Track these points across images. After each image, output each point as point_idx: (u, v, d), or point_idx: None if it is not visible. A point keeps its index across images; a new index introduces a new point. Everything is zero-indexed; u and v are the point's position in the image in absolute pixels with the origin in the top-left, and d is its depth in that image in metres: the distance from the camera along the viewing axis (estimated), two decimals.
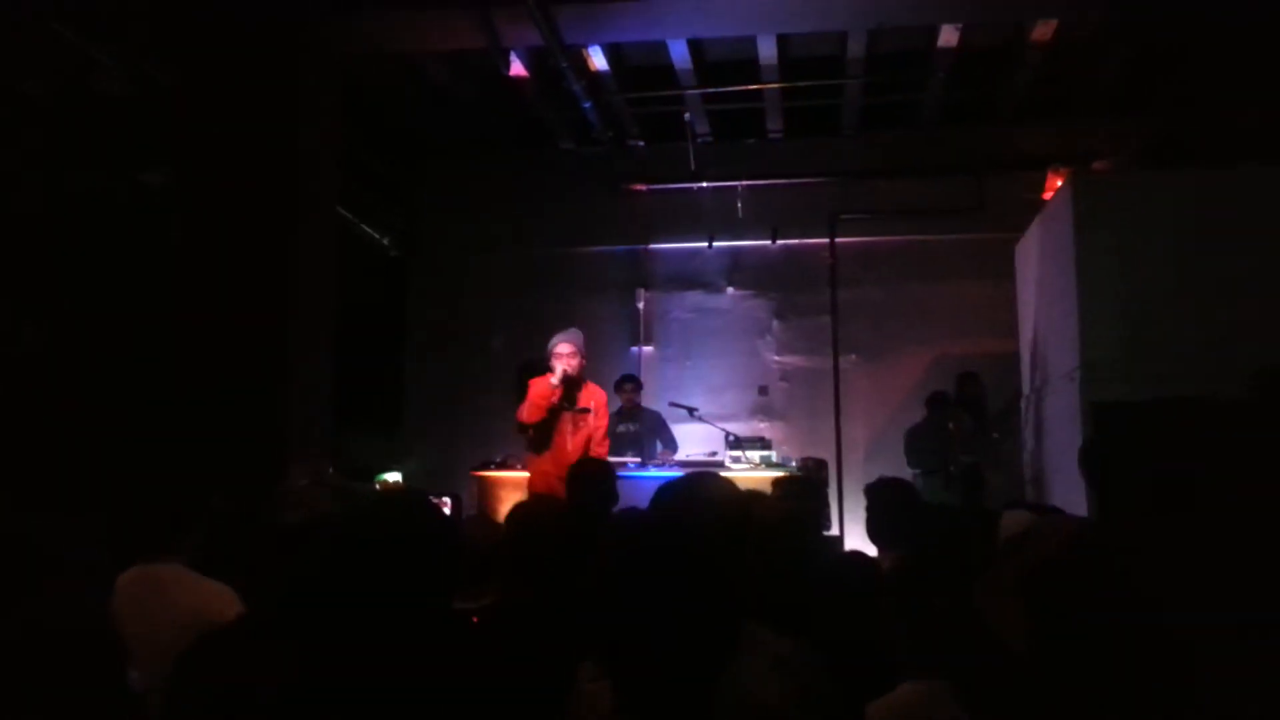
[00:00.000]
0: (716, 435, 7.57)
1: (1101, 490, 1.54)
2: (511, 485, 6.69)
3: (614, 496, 4.44)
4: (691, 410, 7.81)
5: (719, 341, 9.42)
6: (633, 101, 8.51)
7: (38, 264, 5.23)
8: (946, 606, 1.95)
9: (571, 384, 5.93)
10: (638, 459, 7.05)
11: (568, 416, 5.93)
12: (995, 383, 8.06)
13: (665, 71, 7.90)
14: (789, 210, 9.07)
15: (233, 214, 5.82)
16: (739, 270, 9.47)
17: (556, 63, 7.05)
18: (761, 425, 9.04)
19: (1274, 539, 1.21)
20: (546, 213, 9.40)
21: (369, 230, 9.23)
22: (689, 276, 9.52)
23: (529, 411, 5.90)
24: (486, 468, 7.04)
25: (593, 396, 6.08)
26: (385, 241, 9.57)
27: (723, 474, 3.06)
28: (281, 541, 2.51)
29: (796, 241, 9.19)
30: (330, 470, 6.04)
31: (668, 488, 2.39)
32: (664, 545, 1.79)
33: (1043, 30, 7.13)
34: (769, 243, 9.15)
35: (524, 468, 6.40)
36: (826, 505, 6.97)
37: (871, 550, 3.67)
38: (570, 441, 5.90)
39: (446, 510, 5.98)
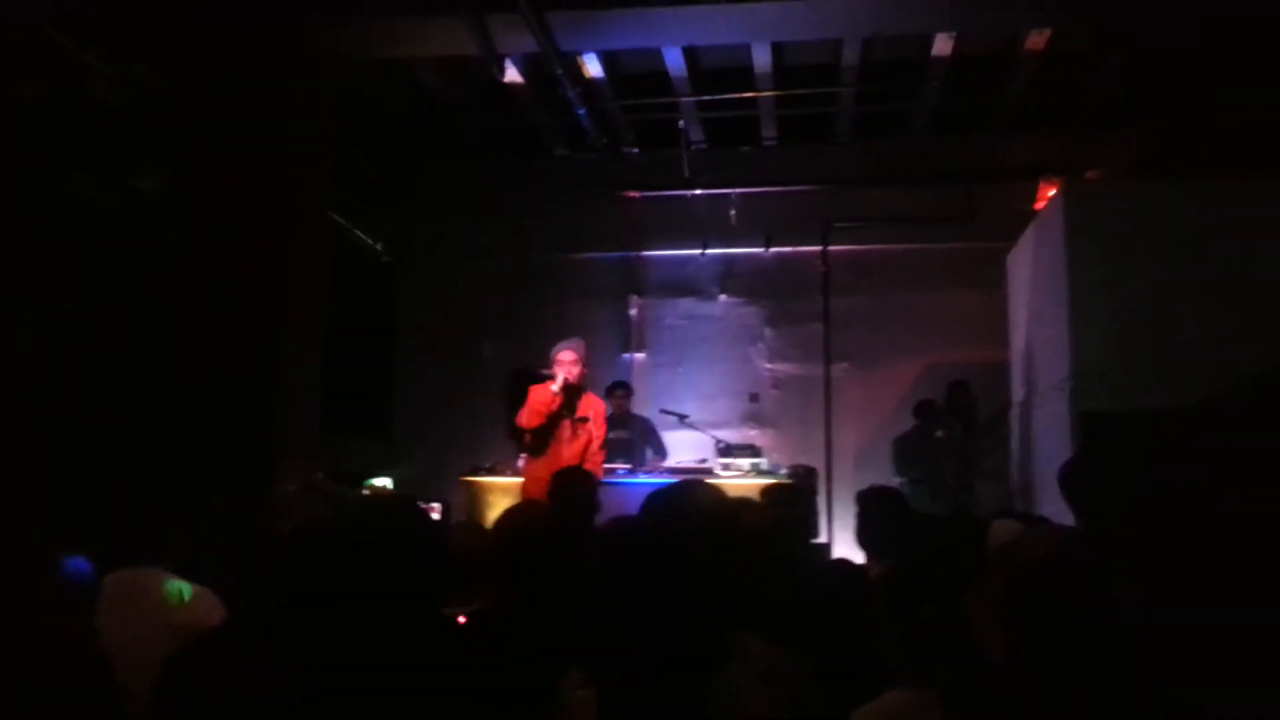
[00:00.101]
0: (707, 442, 7.58)
1: (1084, 499, 1.55)
2: (501, 491, 6.69)
3: (595, 505, 4.46)
4: (682, 417, 7.82)
5: (711, 348, 9.43)
6: (627, 108, 8.52)
7: (31, 268, 5.22)
8: (934, 615, 1.95)
9: (572, 392, 5.96)
10: (628, 466, 7.05)
11: (566, 424, 5.97)
12: (985, 392, 8.07)
13: (660, 79, 7.91)
14: (782, 218, 9.08)
15: (225, 219, 5.82)
16: (732, 277, 9.48)
17: (551, 69, 7.05)
18: (752, 432, 9.06)
19: (1263, 545, 1.22)
20: (540, 219, 9.40)
21: (361, 235, 9.22)
22: (682, 283, 9.53)
23: (528, 417, 5.93)
24: (476, 473, 7.04)
25: (591, 406, 6.11)
26: (378, 247, 9.56)
27: (712, 481, 3.06)
28: (271, 546, 2.51)
29: (789, 249, 9.20)
30: (321, 475, 6.03)
31: (657, 495, 2.39)
32: (652, 553, 1.79)
33: (1036, 40, 7.15)
34: (762, 250, 9.16)
35: (520, 472, 6.42)
36: (815, 513, 6.98)
37: (860, 558, 3.68)
38: (567, 449, 5.92)
39: (436, 516, 5.98)
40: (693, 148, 8.89)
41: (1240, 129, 7.09)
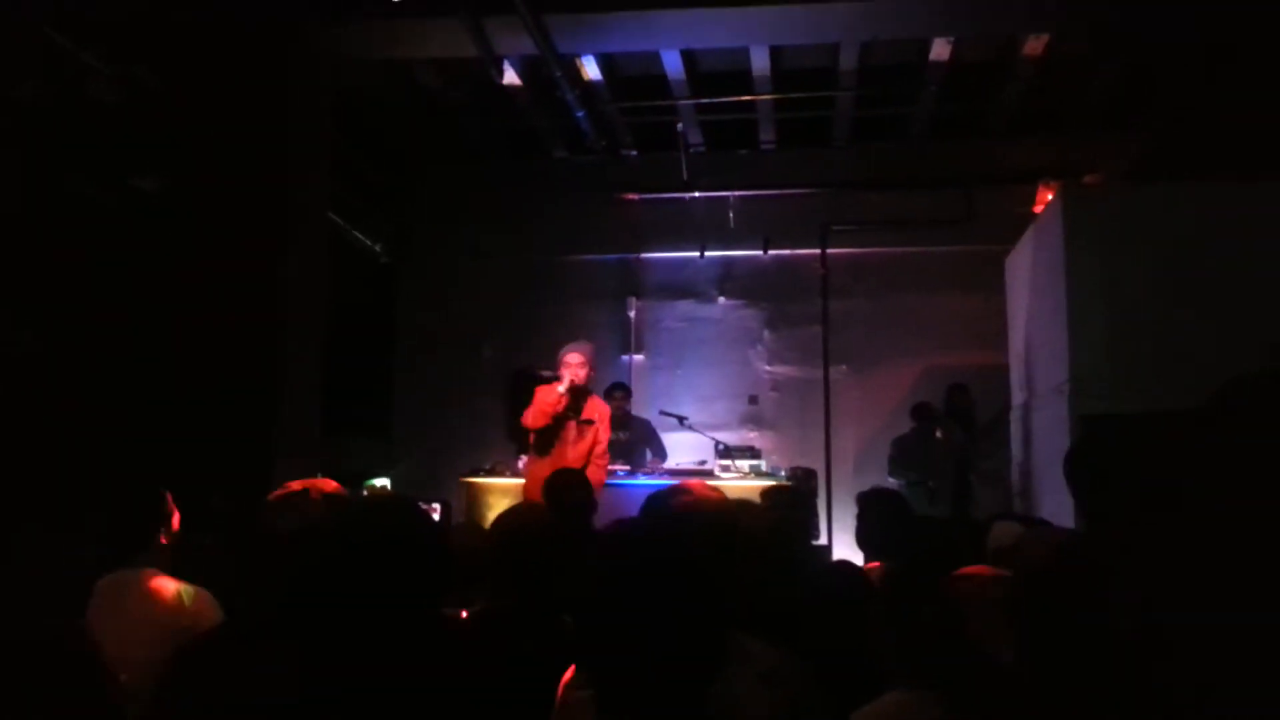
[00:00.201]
0: (706, 444, 7.58)
1: (1085, 497, 1.55)
2: (501, 491, 6.70)
3: (592, 506, 4.46)
4: (681, 419, 7.82)
5: (710, 351, 9.43)
6: (626, 111, 8.53)
7: (31, 268, 5.22)
8: (934, 616, 1.95)
9: (578, 394, 5.99)
10: (627, 467, 7.06)
11: (572, 425, 6.01)
12: (984, 395, 8.08)
13: (658, 82, 7.92)
14: (780, 221, 9.09)
15: (225, 219, 5.82)
16: (730, 280, 9.49)
17: (550, 72, 7.06)
18: (751, 435, 9.07)
19: (1260, 545, 1.22)
20: (538, 220, 9.40)
21: (360, 236, 9.22)
22: (680, 286, 9.54)
23: (534, 417, 5.96)
24: (476, 474, 7.04)
25: (597, 409, 6.14)
26: (376, 248, 9.56)
27: (711, 483, 3.06)
28: (270, 546, 2.51)
29: (788, 252, 9.20)
30: (319, 476, 6.03)
31: (656, 497, 2.39)
32: (652, 554, 1.79)
33: (1034, 44, 7.17)
34: (760, 253, 9.16)
35: (521, 473, 6.44)
36: (815, 515, 6.98)
37: (859, 559, 3.68)
38: (571, 450, 5.96)
39: (435, 516, 5.99)
40: (691, 150, 8.90)
41: (1238, 131, 7.10)
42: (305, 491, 2.25)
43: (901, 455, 7.83)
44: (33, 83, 5.34)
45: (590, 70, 7.63)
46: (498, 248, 9.45)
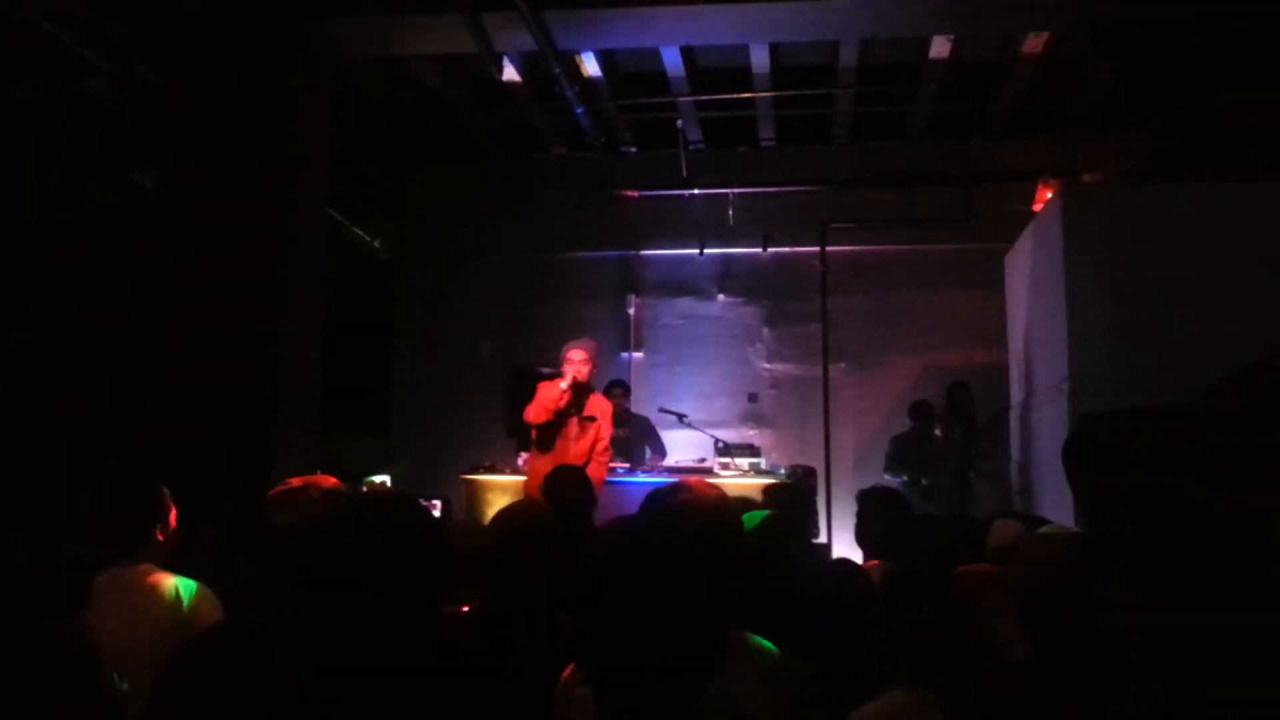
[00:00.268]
0: (706, 442, 7.58)
1: (1084, 491, 1.55)
2: (500, 489, 6.70)
3: (593, 504, 4.46)
4: (681, 416, 7.82)
5: (709, 348, 9.44)
6: (625, 108, 8.52)
7: (31, 266, 5.22)
8: (934, 615, 1.95)
9: (580, 390, 6.00)
10: (626, 465, 7.06)
11: (574, 422, 6.03)
12: (983, 393, 8.09)
13: (658, 78, 7.91)
14: (780, 218, 9.09)
15: (224, 217, 5.81)
16: (730, 277, 9.49)
17: (549, 68, 7.05)
18: (751, 432, 9.07)
19: (1262, 542, 1.22)
20: (538, 218, 9.40)
21: (360, 233, 9.22)
22: (680, 283, 9.54)
23: (535, 413, 5.98)
24: (476, 471, 7.04)
25: (599, 405, 6.16)
26: (376, 245, 9.57)
27: (711, 481, 3.06)
28: (270, 544, 2.51)
29: (787, 249, 9.20)
30: (319, 473, 6.03)
31: (656, 495, 2.39)
32: (650, 552, 1.79)
33: (1034, 43, 7.16)
34: (760, 250, 9.16)
35: (521, 469, 6.45)
36: (815, 513, 6.98)
37: (858, 557, 3.68)
38: (574, 447, 5.98)
39: (436, 514, 5.99)
40: (690, 148, 8.90)
41: (1238, 131, 7.10)
42: (305, 488, 2.24)
43: (897, 453, 7.84)
44: (33, 81, 5.34)
45: (590, 67, 7.63)
46: (497, 245, 9.45)
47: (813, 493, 7.20)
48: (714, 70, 7.98)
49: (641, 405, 8.35)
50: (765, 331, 9.44)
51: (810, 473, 7.42)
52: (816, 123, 8.93)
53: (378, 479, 7.27)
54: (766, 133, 9.08)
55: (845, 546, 4.87)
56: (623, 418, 7.63)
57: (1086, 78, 7.90)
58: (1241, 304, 5.46)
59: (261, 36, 5.97)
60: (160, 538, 3.11)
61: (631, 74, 8.10)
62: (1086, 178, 8.55)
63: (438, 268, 9.67)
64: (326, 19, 6.15)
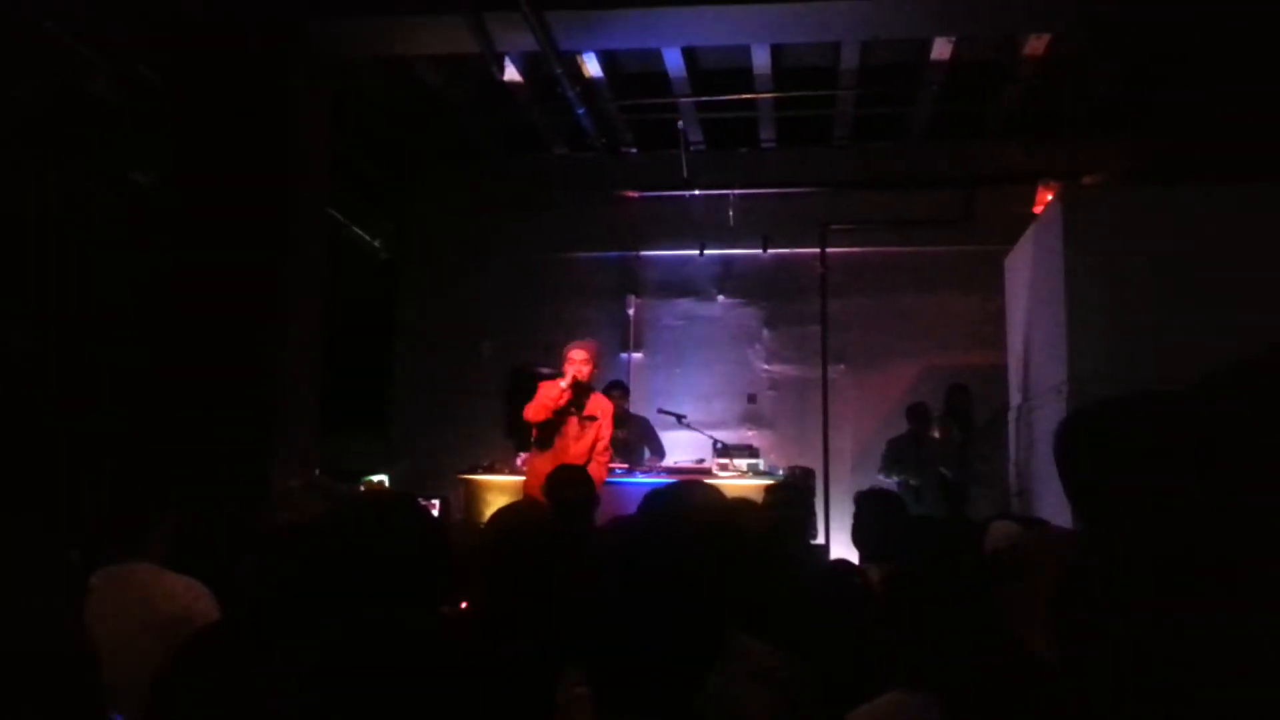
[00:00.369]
0: (704, 442, 7.58)
1: (1074, 485, 1.55)
2: (499, 489, 6.71)
3: (595, 503, 4.46)
4: (680, 417, 7.82)
5: (709, 349, 9.43)
6: (626, 108, 8.53)
7: (30, 265, 5.21)
8: (934, 616, 1.95)
9: (581, 390, 6.02)
10: (625, 465, 7.06)
11: (574, 421, 6.04)
12: (982, 395, 8.09)
13: (659, 79, 7.92)
14: (780, 219, 9.09)
15: (224, 217, 5.81)
16: (730, 278, 9.49)
17: (551, 69, 7.05)
18: (750, 433, 9.07)
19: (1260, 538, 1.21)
20: (538, 218, 9.40)
21: (360, 233, 9.22)
22: (680, 284, 9.54)
23: (534, 411, 6.00)
24: (474, 471, 7.05)
25: (600, 405, 6.17)
26: (376, 244, 9.56)
27: (710, 482, 3.06)
28: (269, 542, 2.51)
29: (787, 251, 9.20)
30: (318, 472, 6.03)
31: (655, 495, 2.39)
32: (648, 553, 1.79)
33: (1035, 45, 7.17)
34: (760, 251, 9.16)
35: (521, 469, 6.46)
36: (813, 514, 6.98)
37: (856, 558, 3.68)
38: (574, 446, 5.99)
39: (435, 513, 5.99)
40: (691, 148, 8.90)
41: (1238, 132, 7.10)
42: (304, 488, 2.25)
43: (893, 455, 7.86)
44: (33, 81, 5.34)
45: (591, 67, 7.63)
46: (497, 245, 9.45)
47: (811, 494, 7.20)
48: (715, 71, 7.99)
49: (641, 406, 8.35)
50: (765, 333, 9.44)
51: (809, 474, 7.42)
52: (817, 124, 8.93)
53: (376, 478, 7.27)
54: (767, 134, 9.08)
55: (843, 547, 4.86)
56: (622, 418, 7.63)
57: (1087, 79, 7.90)
58: (1242, 305, 5.46)
59: (262, 36, 5.97)
60: (159, 537, 3.11)
61: (633, 74, 8.10)
62: (1086, 180, 8.57)
63: (438, 267, 9.67)
64: (327, 19, 6.16)
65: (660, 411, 7.95)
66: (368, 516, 2.01)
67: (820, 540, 7.43)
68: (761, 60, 7.54)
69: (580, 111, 7.90)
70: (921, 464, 7.68)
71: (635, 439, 7.66)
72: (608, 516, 4.32)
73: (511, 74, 7.58)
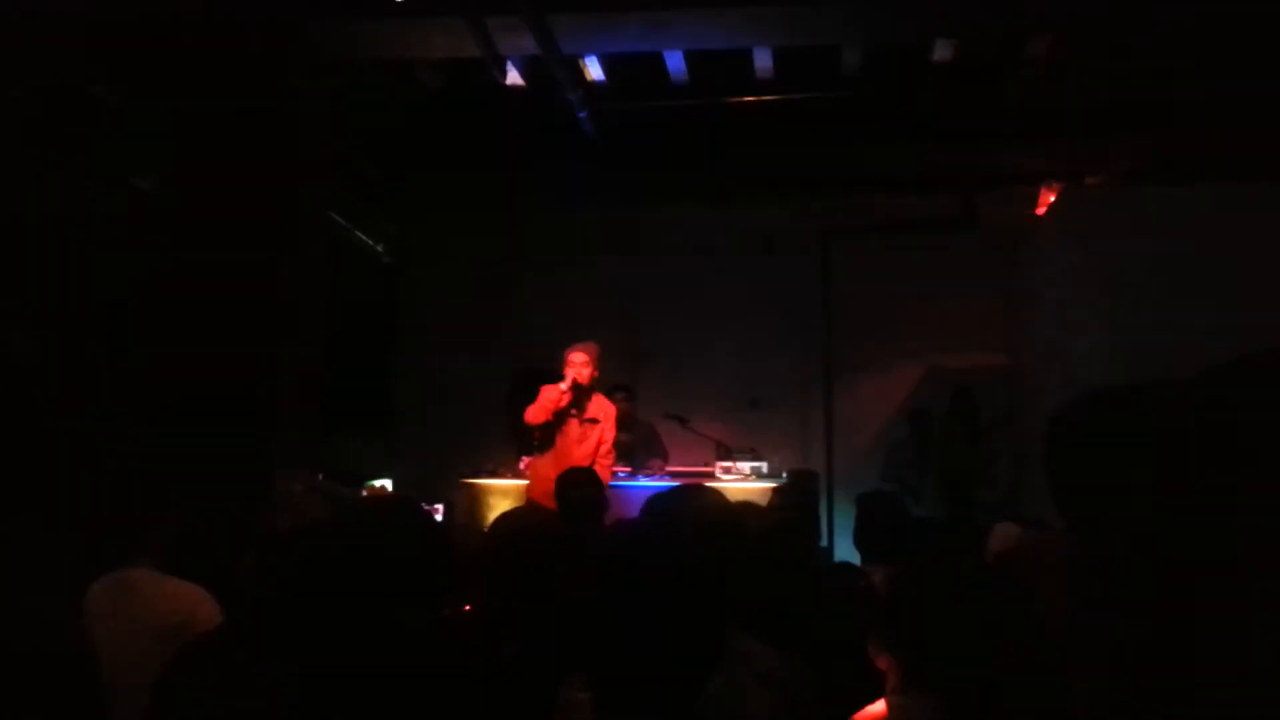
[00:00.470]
0: (707, 446, 7.57)
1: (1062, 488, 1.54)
2: (502, 493, 6.71)
3: (604, 506, 4.45)
4: (683, 420, 7.82)
5: (711, 352, 9.42)
6: (627, 110, 8.51)
7: (30, 269, 5.22)
8: (935, 619, 1.95)
9: (580, 392, 6.03)
10: (629, 469, 7.06)
11: (575, 424, 6.05)
12: (986, 397, 8.08)
13: (661, 80, 7.90)
14: (782, 222, 9.09)
15: (226, 220, 5.81)
16: (732, 282, 9.48)
17: (553, 72, 7.05)
18: (753, 436, 9.05)
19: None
20: (541, 221, 9.40)
21: (362, 236, 9.22)
22: (683, 287, 9.52)
23: (534, 413, 6.03)
24: (477, 475, 7.05)
25: (602, 409, 6.18)
26: (378, 248, 9.56)
27: (713, 485, 3.06)
28: (271, 546, 2.51)
29: (790, 254, 9.20)
30: (321, 476, 6.04)
31: (658, 498, 2.39)
32: (649, 556, 1.79)
33: (1037, 46, 7.16)
34: (763, 254, 9.16)
35: (523, 473, 6.46)
36: (818, 517, 6.98)
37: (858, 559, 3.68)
38: (576, 449, 6.01)
39: (438, 518, 5.99)
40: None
41: (1240, 133, 7.09)
42: (306, 492, 2.25)
43: (894, 458, 7.86)
44: (32, 80, 5.34)
45: (593, 71, 7.63)
46: (499, 247, 9.45)
47: (816, 497, 7.20)
48: (716, 72, 7.98)
49: (643, 409, 8.35)
50: (767, 335, 9.42)
51: (814, 477, 7.42)
52: (819, 126, 8.91)
53: (379, 483, 7.28)
54: (769, 135, 9.07)
55: (847, 550, 4.85)
56: (626, 422, 7.63)
57: (1092, 81, 7.89)
58: (1243, 306, 5.46)
59: (264, 39, 5.98)
60: (161, 540, 3.11)
61: (634, 75, 8.09)
62: (1089, 181, 8.56)
63: (440, 270, 9.66)
64: (329, 22, 6.16)
65: (664, 415, 7.94)
66: (370, 520, 2.01)
67: (824, 542, 7.43)
68: (764, 64, 7.54)
69: (582, 115, 7.90)
70: (924, 467, 7.67)
71: (638, 443, 7.66)
72: (611, 520, 4.33)
73: (514, 77, 7.58)
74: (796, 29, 6.48)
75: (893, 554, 3.47)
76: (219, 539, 3.20)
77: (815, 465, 7.99)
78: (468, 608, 2.66)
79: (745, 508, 2.98)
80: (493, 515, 5.81)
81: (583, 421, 6.06)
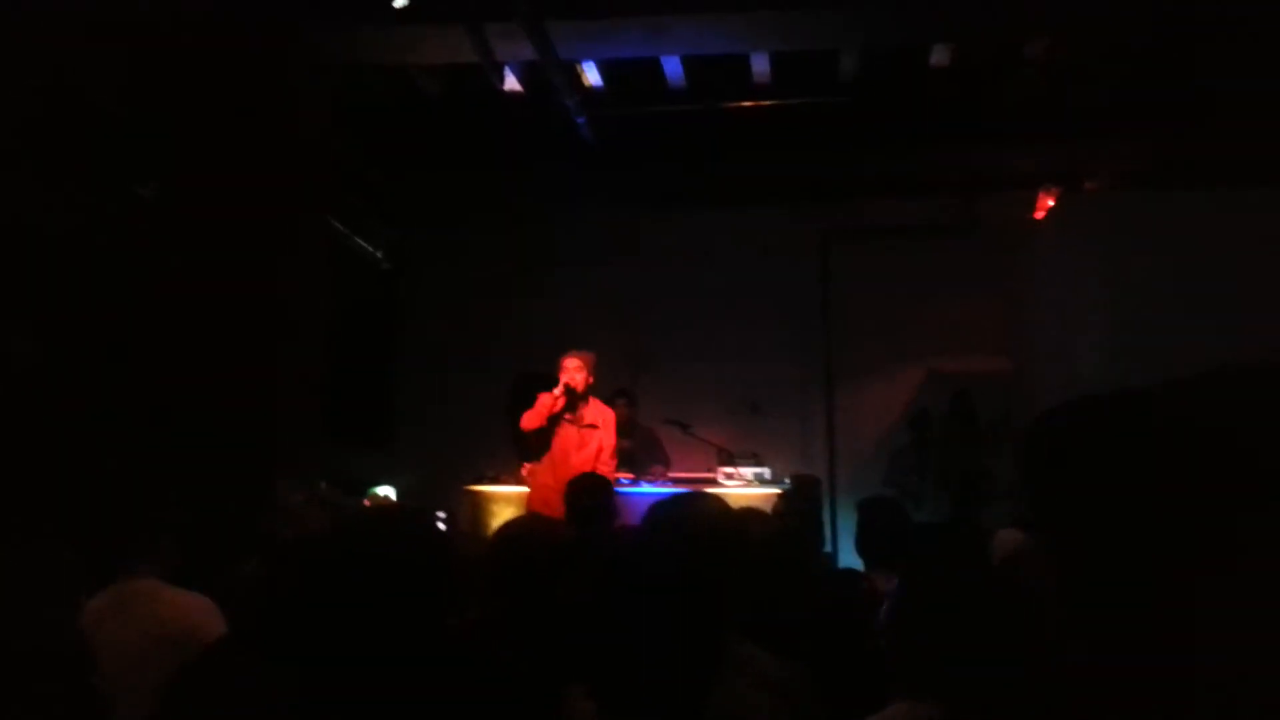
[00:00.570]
0: (709, 451, 7.57)
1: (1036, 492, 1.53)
2: (504, 500, 6.70)
3: (613, 511, 4.44)
4: (684, 426, 7.81)
5: (712, 357, 9.41)
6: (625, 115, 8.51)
7: (30, 274, 5.22)
8: (939, 626, 1.95)
9: (575, 397, 6.01)
10: (630, 475, 7.06)
11: (573, 430, 6.02)
12: (986, 399, 8.08)
13: (659, 83, 7.91)
14: (782, 226, 9.10)
15: (225, 225, 5.82)
16: (733, 286, 9.48)
17: (550, 77, 7.06)
18: (754, 441, 9.04)
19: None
20: (540, 226, 9.41)
21: (362, 243, 9.22)
22: (684, 292, 9.52)
23: (528, 418, 6.05)
24: (479, 482, 7.05)
25: (601, 415, 6.17)
26: (378, 254, 9.56)
27: (716, 491, 3.07)
28: (274, 556, 2.51)
29: (790, 257, 9.21)
30: (323, 485, 6.04)
31: (660, 506, 2.39)
32: (654, 564, 1.79)
33: (1036, 48, 7.17)
34: (763, 258, 9.16)
35: (526, 479, 6.45)
36: (821, 523, 6.98)
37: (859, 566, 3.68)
38: (575, 456, 5.98)
39: (443, 527, 5.99)
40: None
41: (1238, 133, 7.10)
42: (307, 502, 2.25)
43: (895, 462, 7.86)
44: (32, 85, 5.34)
45: (591, 76, 7.64)
46: (500, 254, 9.45)
47: (818, 502, 7.19)
48: (714, 76, 7.99)
49: (644, 415, 8.34)
50: (768, 340, 9.41)
51: (816, 482, 7.41)
52: (818, 130, 8.92)
53: (381, 490, 7.27)
54: (769, 138, 9.07)
55: (849, 555, 4.85)
56: (627, 428, 7.63)
57: (1090, 84, 7.90)
58: (1243, 308, 5.46)
59: (263, 45, 5.98)
60: (165, 550, 3.11)
61: (632, 81, 8.10)
62: (1089, 184, 8.56)
63: (441, 277, 9.66)
64: (328, 28, 6.17)
65: (665, 421, 7.94)
66: (372, 530, 2.01)
67: (827, 548, 7.42)
68: (761, 68, 7.55)
69: (581, 121, 7.91)
70: (925, 471, 7.68)
71: (640, 449, 7.66)
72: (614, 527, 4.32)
73: (512, 83, 7.58)
74: (794, 34, 6.49)
75: (895, 559, 3.46)
76: (218, 543, 3.20)
77: (816, 469, 7.98)
78: (471, 616, 2.66)
79: (748, 514, 2.98)
80: (495, 523, 5.82)
81: (580, 427, 6.05)
